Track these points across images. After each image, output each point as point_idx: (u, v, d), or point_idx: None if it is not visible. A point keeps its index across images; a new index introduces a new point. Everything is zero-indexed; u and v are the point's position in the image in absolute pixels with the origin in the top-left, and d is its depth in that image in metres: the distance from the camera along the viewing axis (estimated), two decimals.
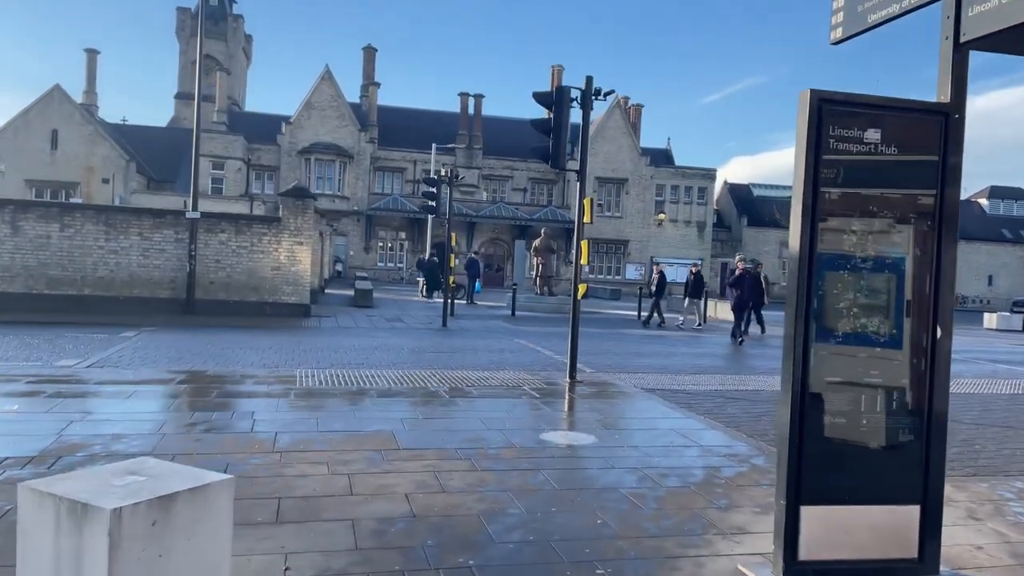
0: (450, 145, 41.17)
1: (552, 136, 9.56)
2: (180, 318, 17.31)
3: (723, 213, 58.61)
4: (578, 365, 10.92)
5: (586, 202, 9.77)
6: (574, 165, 9.67)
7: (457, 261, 42.87)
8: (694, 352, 14.72)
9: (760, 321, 18.85)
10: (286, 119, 47.89)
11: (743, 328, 17.04)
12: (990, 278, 57.72)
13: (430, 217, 37.99)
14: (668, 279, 54.07)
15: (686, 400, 8.91)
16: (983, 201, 60.43)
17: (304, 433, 6.39)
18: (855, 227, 4.02)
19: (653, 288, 21.50)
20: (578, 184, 9.73)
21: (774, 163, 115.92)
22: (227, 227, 19.24)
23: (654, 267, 22.93)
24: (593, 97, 9.84)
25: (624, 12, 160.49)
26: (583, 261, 9.86)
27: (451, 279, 19.43)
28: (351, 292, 26.58)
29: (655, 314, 21.23)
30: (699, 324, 21.29)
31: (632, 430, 7.22)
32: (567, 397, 8.80)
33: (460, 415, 7.42)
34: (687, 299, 21.19)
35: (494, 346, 13.84)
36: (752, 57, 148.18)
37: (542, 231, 27.25)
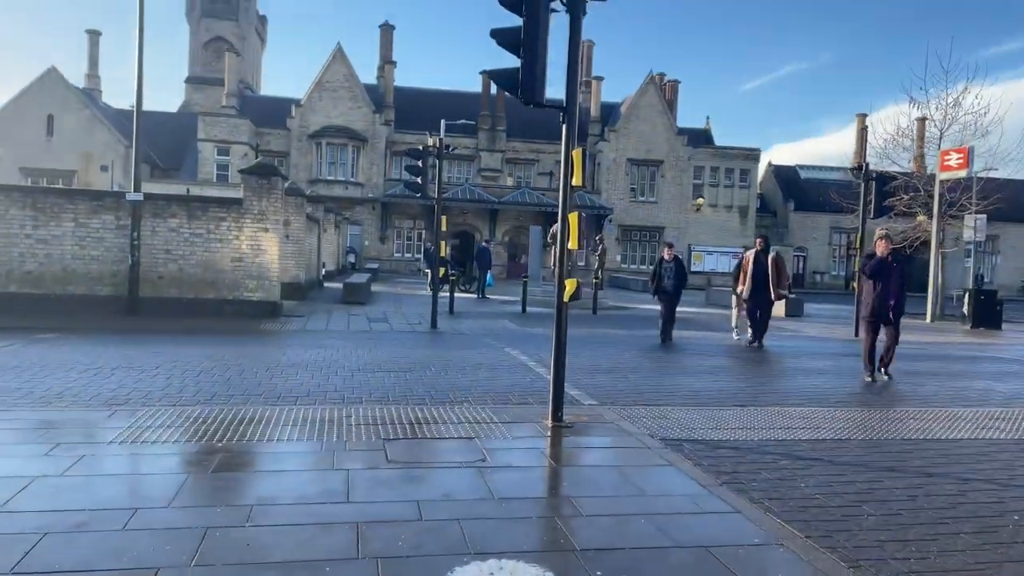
0: (462, 121, 37.75)
1: (524, 54, 6.25)
2: (117, 320, 14.41)
3: (767, 197, 54.44)
4: (574, 393, 7.68)
5: (575, 155, 6.45)
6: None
7: (448, 250, 39.61)
8: (743, 367, 11.28)
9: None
10: (297, 102, 45.09)
11: (876, 362, 9.96)
12: None
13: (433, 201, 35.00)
14: (706, 268, 49.70)
15: (730, 464, 5.57)
16: None
17: None
18: None
19: (669, 281, 13.96)
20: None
21: (818, 149, 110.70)
22: (178, 211, 16.27)
23: (666, 248, 14.52)
24: None
25: None
26: (572, 245, 6.56)
27: (442, 270, 16.23)
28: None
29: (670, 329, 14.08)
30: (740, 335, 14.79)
31: (631, 551, 3.91)
32: (540, 463, 5.52)
33: (328, 515, 4.19)
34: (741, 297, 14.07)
35: (474, 359, 10.58)
36: (792, 42, 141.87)
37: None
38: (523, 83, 6.32)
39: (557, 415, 6.57)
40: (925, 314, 23.36)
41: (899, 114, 59.71)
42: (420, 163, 15.68)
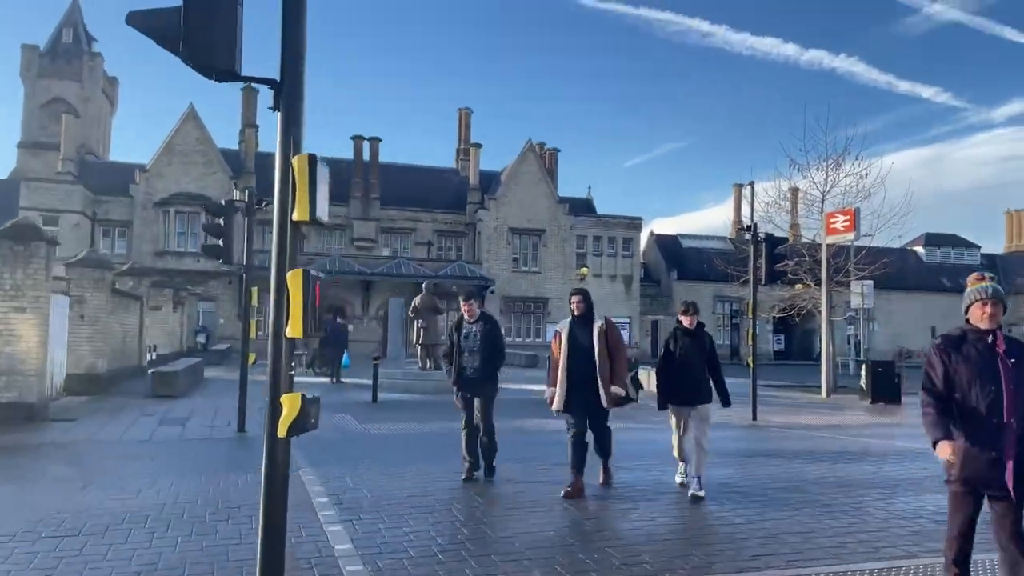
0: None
1: None
2: None
3: (651, 266, 53.70)
4: (350, 571, 4.55)
5: (297, 166, 3.53)
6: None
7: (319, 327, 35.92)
8: (605, 504, 8.40)
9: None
10: (144, 168, 40.73)
11: None
12: (933, 330, 54.04)
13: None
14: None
15: None
16: (919, 249, 57.40)
17: None
18: None
19: (471, 359, 7.96)
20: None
21: (696, 223, 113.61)
22: None
23: (464, 305, 8.18)
24: None
25: (532, 66, 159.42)
26: (293, 331, 3.55)
27: (252, 357, 12.94)
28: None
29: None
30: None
31: None
32: None
33: None
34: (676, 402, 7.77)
35: (234, 499, 7.23)
36: (669, 123, 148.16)
37: (423, 285, 20.98)
38: (187, 29, 3.39)
39: None
40: (820, 388, 21.66)
41: (780, 179, 60.92)
42: (223, 221, 12.44)
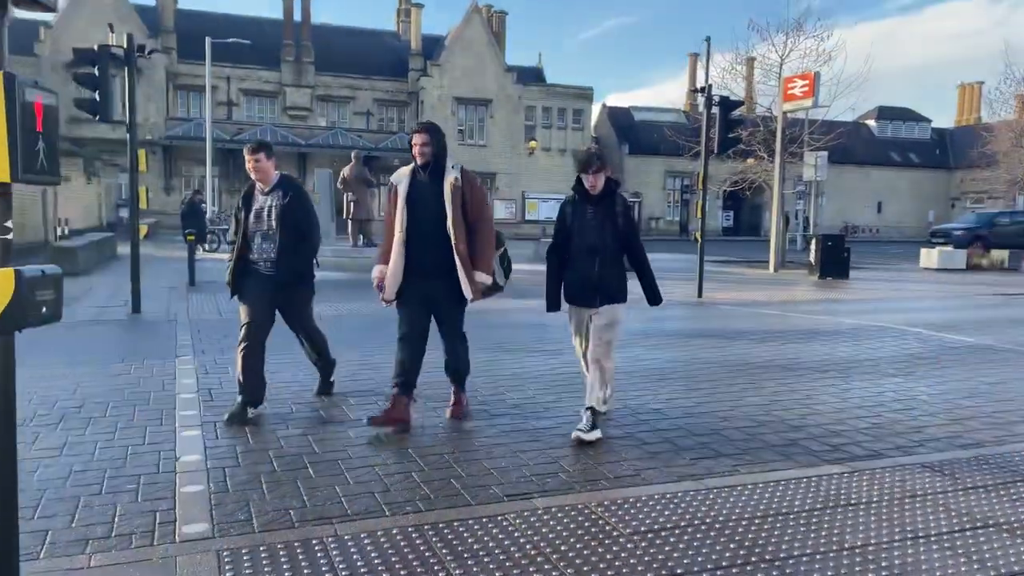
0: (232, 39, 31.62)
1: None
2: None
3: (602, 140, 52.04)
4: (190, 491, 3.50)
5: None
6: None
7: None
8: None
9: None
10: (49, 24, 36.85)
11: None
12: (879, 204, 54.34)
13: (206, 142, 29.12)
14: (540, 217, 46.65)
15: None
16: (871, 123, 56.67)
17: None
18: None
19: (267, 244, 5.37)
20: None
21: (650, 99, 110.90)
22: None
23: (250, 159, 5.25)
24: None
25: None
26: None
27: (144, 229, 11.58)
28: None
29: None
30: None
31: None
32: None
33: None
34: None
35: (73, 402, 6.15)
36: None
37: (352, 154, 19.38)
38: None
39: None
40: (768, 263, 21.13)
41: (738, 49, 58.78)
42: (98, 71, 10.71)
